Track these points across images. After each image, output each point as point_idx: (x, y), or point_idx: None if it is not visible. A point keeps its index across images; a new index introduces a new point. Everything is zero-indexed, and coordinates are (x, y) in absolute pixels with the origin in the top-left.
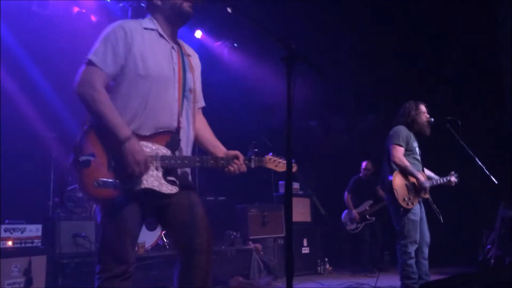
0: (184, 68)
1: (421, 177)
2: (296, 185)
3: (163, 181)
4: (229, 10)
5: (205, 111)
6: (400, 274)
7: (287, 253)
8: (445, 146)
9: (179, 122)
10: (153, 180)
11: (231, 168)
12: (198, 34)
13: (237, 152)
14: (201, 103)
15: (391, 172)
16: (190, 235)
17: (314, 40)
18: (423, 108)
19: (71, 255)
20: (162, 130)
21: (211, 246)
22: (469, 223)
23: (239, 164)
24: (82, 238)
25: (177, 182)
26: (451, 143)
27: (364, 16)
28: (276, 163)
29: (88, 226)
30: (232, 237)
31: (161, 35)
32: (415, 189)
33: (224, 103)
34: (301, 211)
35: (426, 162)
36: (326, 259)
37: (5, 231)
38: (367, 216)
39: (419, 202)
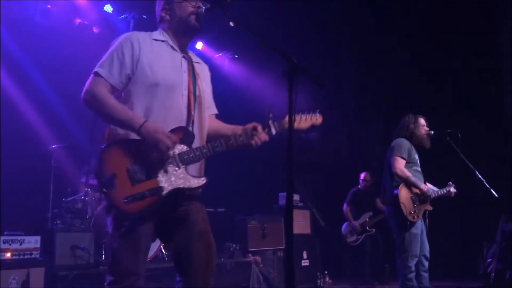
0: (194, 76)
1: (424, 187)
2: (296, 197)
3: (188, 177)
4: (231, 24)
5: None
6: None
7: (288, 266)
8: (445, 159)
9: (190, 125)
10: (176, 179)
11: (252, 142)
12: (199, 45)
13: (253, 123)
14: (213, 110)
15: (394, 185)
16: (189, 255)
17: (314, 46)
18: (422, 121)
19: (69, 267)
20: (174, 127)
21: (212, 267)
22: (469, 236)
23: (259, 134)
24: (80, 250)
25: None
26: (451, 155)
27: (365, 24)
28: (299, 120)
29: (87, 238)
30: (231, 249)
31: (171, 46)
32: (420, 200)
33: (224, 115)
34: (301, 223)
35: (426, 175)
36: (326, 272)
37: (4, 242)
38: (367, 228)
39: None
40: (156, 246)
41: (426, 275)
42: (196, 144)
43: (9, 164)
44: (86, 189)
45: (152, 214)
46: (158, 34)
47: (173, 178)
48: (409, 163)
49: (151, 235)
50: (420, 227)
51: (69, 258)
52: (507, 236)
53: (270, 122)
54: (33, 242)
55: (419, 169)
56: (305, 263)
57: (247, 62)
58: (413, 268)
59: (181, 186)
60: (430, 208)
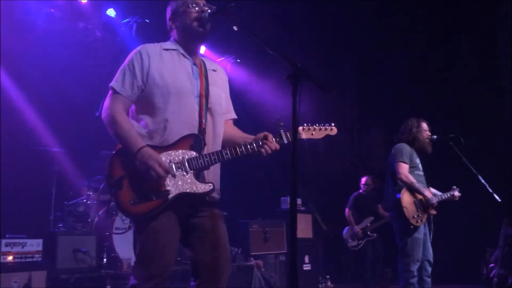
0: (207, 82)
1: (428, 194)
2: (298, 201)
3: (196, 182)
4: (235, 28)
5: None
6: None
7: (292, 269)
8: (447, 163)
9: (202, 131)
10: (183, 184)
11: (262, 150)
12: (202, 49)
13: (265, 132)
14: (231, 115)
15: (397, 190)
16: (205, 262)
17: (316, 53)
18: (424, 125)
19: (71, 270)
20: (184, 135)
21: (225, 275)
22: (472, 240)
23: (269, 143)
24: (82, 253)
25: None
26: (453, 160)
27: (367, 32)
28: (312, 130)
29: (89, 241)
30: (233, 253)
31: (182, 54)
32: (423, 206)
33: None
34: (302, 227)
35: (429, 179)
36: (328, 276)
37: (6, 245)
38: (369, 233)
39: None
40: None
41: (428, 280)
42: (208, 149)
43: (11, 167)
44: (88, 192)
45: (176, 217)
46: (169, 44)
47: (180, 183)
48: (411, 167)
49: (176, 232)
50: (422, 231)
51: (71, 261)
52: (510, 240)
53: (282, 131)
54: (35, 245)
55: (422, 173)
56: (307, 267)
57: (249, 66)
58: (415, 273)
59: (187, 191)
60: (434, 212)
